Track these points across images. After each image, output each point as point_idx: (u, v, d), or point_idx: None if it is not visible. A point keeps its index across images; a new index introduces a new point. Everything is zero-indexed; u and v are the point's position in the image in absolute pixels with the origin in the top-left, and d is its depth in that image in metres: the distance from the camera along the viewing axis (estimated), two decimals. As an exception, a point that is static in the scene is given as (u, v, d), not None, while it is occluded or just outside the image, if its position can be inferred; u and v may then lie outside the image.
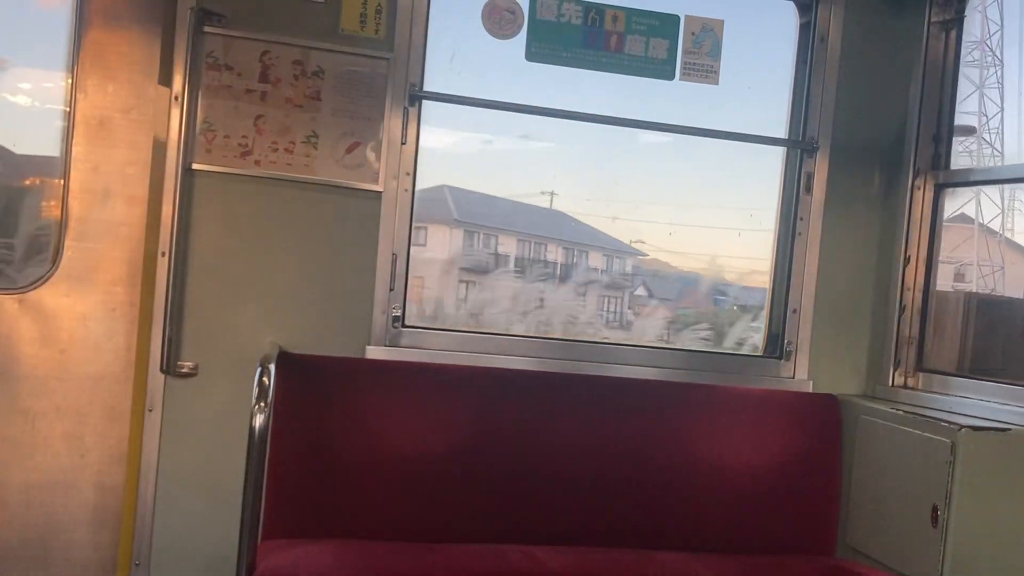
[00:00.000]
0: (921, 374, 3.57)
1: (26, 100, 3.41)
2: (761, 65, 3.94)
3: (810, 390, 3.65)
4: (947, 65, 3.63)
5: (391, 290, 3.38)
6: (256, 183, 3.27)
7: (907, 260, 3.60)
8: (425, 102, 3.42)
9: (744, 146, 3.81)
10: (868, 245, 3.72)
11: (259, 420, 2.70)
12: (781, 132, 3.79)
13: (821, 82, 3.68)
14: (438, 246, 4.58)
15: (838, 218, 3.69)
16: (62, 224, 3.18)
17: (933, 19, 3.61)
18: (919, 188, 3.61)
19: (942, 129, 3.63)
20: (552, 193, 4.47)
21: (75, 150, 3.17)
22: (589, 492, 3.33)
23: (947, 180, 3.60)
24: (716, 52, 3.61)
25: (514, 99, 3.51)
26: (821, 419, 3.53)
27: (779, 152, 3.82)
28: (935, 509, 2.95)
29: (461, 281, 4.69)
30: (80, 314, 3.19)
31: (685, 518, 3.38)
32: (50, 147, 3.23)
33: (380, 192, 3.35)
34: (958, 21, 3.60)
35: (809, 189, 3.69)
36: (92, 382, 3.20)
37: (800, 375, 3.68)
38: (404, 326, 3.42)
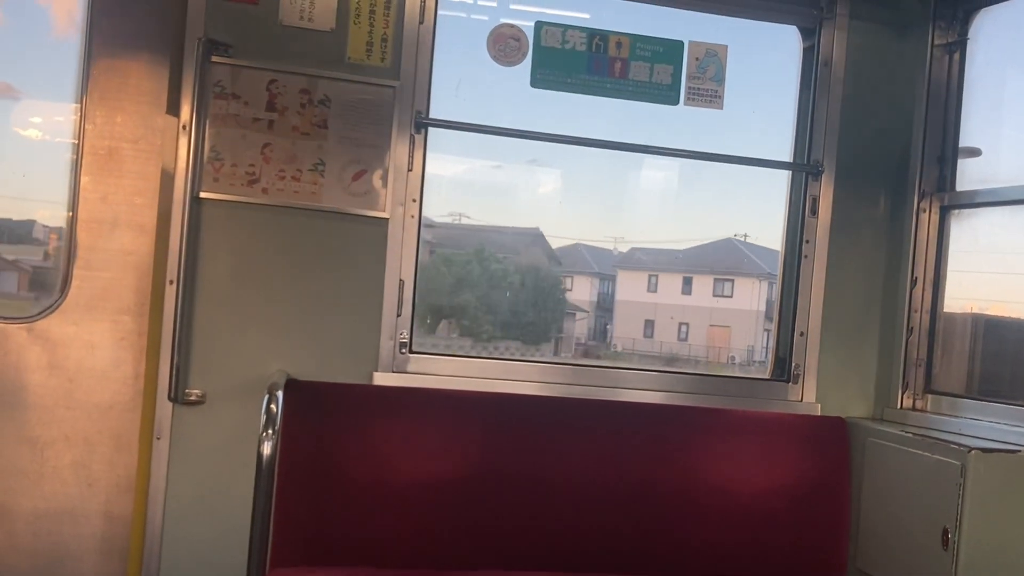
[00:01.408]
0: (930, 396, 3.57)
1: (37, 132, 3.44)
2: (765, 89, 3.96)
3: (818, 413, 3.64)
4: (951, 87, 3.64)
5: (398, 316, 3.39)
6: (263, 211, 3.28)
7: (914, 282, 3.60)
8: (431, 129, 3.44)
9: (749, 169, 3.82)
10: (874, 267, 3.72)
11: (267, 447, 2.71)
12: (786, 156, 3.80)
13: (825, 106, 3.69)
14: (744, 297, 4.62)
15: (844, 241, 3.70)
16: (70, 253, 3.19)
17: (936, 42, 3.63)
18: (924, 210, 3.62)
19: (947, 151, 3.64)
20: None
21: (83, 180, 3.19)
22: (597, 517, 3.32)
23: (952, 202, 3.60)
24: (720, 77, 3.63)
25: (520, 125, 3.53)
26: (829, 442, 3.51)
27: (784, 175, 3.82)
28: (945, 532, 2.94)
29: (765, 329, 4.71)
30: (88, 343, 3.20)
31: (694, 542, 3.36)
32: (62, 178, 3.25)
33: (387, 219, 3.37)
34: (961, 44, 3.62)
35: (815, 212, 3.69)
36: (100, 411, 3.21)
37: (808, 398, 3.67)
38: (411, 352, 3.42)
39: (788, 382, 3.68)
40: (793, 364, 3.68)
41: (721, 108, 3.65)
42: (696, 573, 3.27)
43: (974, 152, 3.65)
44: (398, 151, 3.37)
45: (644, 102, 3.61)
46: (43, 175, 3.40)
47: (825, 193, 3.69)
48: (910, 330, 3.60)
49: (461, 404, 3.32)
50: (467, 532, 3.24)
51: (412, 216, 3.40)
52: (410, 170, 3.39)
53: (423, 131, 3.42)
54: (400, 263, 3.39)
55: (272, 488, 2.78)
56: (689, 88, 3.62)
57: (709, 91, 3.63)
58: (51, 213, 3.37)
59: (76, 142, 3.20)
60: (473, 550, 3.22)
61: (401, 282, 3.39)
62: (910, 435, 3.24)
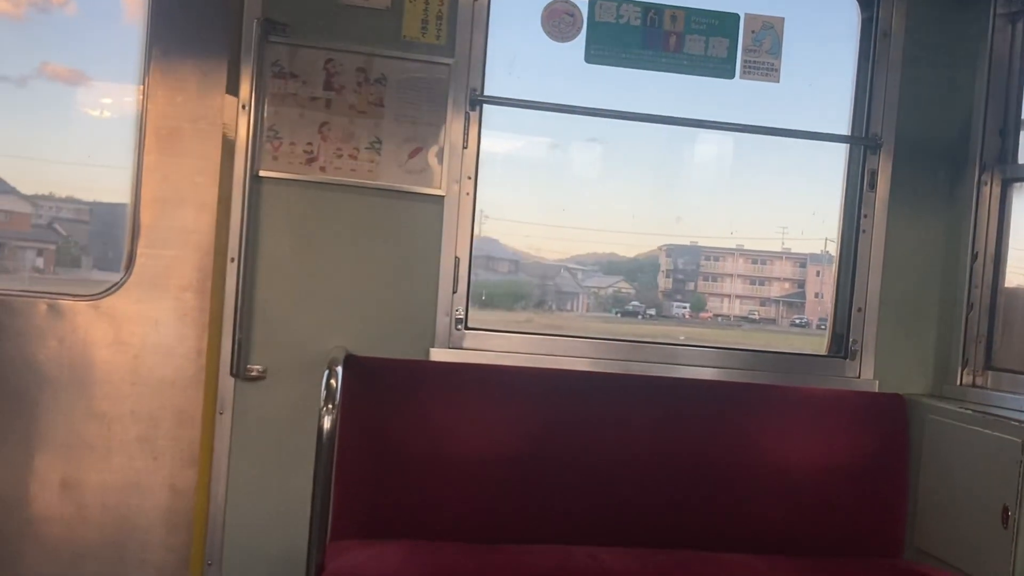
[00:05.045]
0: (990, 372, 3.52)
1: (106, 112, 3.51)
2: (823, 62, 3.90)
3: (876, 390, 3.61)
4: (1013, 57, 3.57)
5: (454, 292, 3.42)
6: (321, 189, 3.32)
7: (975, 256, 3.55)
8: (486, 106, 3.45)
9: (806, 144, 3.78)
10: (934, 242, 3.68)
11: (327, 422, 2.75)
12: (844, 129, 3.76)
13: (884, 78, 3.64)
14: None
15: (903, 215, 3.65)
16: (134, 232, 3.25)
17: (999, 11, 3.56)
18: (986, 183, 3.56)
19: (1009, 123, 3.57)
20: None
21: (146, 159, 3.24)
22: (652, 493, 3.33)
23: (1014, 175, 3.54)
24: (777, 50, 3.60)
25: (575, 102, 3.53)
26: (888, 419, 3.49)
27: (842, 149, 3.78)
28: (1006, 509, 2.91)
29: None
30: (152, 320, 3.26)
31: (750, 519, 3.36)
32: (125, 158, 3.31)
33: (443, 196, 3.39)
34: (1024, 13, 3.55)
35: (873, 186, 3.65)
36: (164, 386, 3.27)
37: (866, 375, 3.64)
38: (467, 328, 3.45)
39: (846, 358, 3.66)
40: (851, 340, 3.65)
41: (778, 81, 3.62)
42: (752, 550, 3.27)
43: (1037, 124, 3.58)
44: (453, 128, 3.39)
45: (699, 76, 3.58)
46: (108, 155, 3.48)
47: (884, 167, 3.64)
48: (970, 306, 3.56)
49: (516, 380, 3.34)
50: (523, 507, 3.26)
51: (467, 193, 3.42)
52: (465, 147, 3.41)
53: (478, 108, 3.43)
54: (456, 240, 3.41)
55: (332, 462, 2.83)
56: (745, 61, 3.59)
57: (765, 64, 3.60)
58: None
59: (139, 122, 3.25)
60: (528, 525, 3.25)
61: (457, 259, 3.41)
62: (970, 412, 3.21)
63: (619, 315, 4.36)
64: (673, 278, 4.48)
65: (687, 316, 4.47)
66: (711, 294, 4.54)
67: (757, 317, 4.58)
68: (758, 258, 4.53)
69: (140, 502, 3.27)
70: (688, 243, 4.48)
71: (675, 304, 4.50)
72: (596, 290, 4.36)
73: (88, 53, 3.43)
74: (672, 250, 4.47)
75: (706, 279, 4.51)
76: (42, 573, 3.22)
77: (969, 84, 3.62)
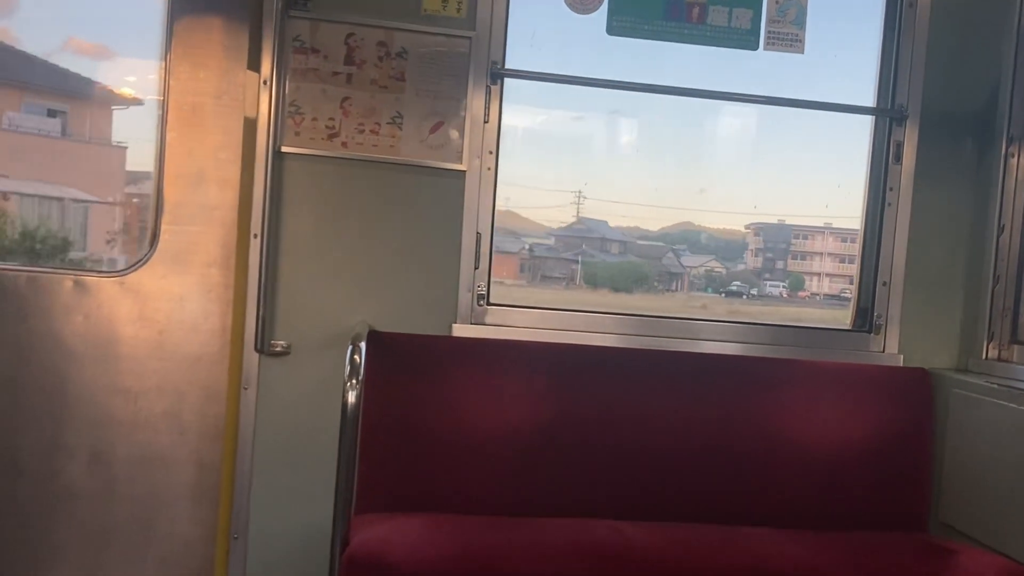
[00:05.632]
0: (1016, 346, 3.49)
1: (130, 90, 3.53)
2: (848, 32, 3.86)
3: (900, 364, 3.59)
4: (1042, 27, 3.52)
5: (476, 268, 3.42)
6: (343, 164, 3.32)
7: (1001, 229, 3.52)
8: (507, 80, 3.43)
9: (831, 116, 3.75)
10: (960, 215, 3.64)
11: (351, 397, 2.76)
12: (869, 101, 3.71)
13: (910, 48, 3.59)
14: None
15: (929, 188, 3.62)
16: (158, 208, 3.26)
17: (1027, -21, 3.51)
18: (1013, 155, 3.52)
19: (1036, 94, 3.53)
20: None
21: (169, 136, 3.25)
22: (675, 468, 3.34)
23: (1042, 147, 3.50)
24: (801, 20, 3.56)
25: (597, 75, 3.51)
26: (912, 394, 3.47)
27: (867, 121, 3.74)
28: (1032, 484, 2.90)
29: None
30: (177, 295, 3.28)
31: (773, 494, 3.36)
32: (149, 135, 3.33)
33: (464, 171, 3.38)
34: (1054, -19, 3.49)
35: (898, 158, 3.62)
36: (190, 362, 3.29)
37: (890, 349, 3.62)
38: (489, 304, 3.45)
39: (870, 333, 3.64)
40: (875, 314, 3.63)
41: (802, 52, 3.58)
42: (774, 524, 3.27)
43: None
44: (475, 103, 3.38)
45: (723, 47, 3.55)
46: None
47: (909, 139, 3.60)
48: (996, 279, 3.52)
49: (538, 355, 3.35)
50: (545, 481, 3.28)
51: (489, 168, 3.41)
52: (486, 122, 3.39)
53: (499, 82, 3.41)
54: (477, 216, 3.41)
55: (356, 437, 2.85)
56: (769, 32, 3.55)
57: (790, 35, 3.56)
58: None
59: (162, 98, 3.26)
60: (550, 499, 3.26)
61: (478, 235, 3.41)
62: (996, 386, 3.19)
63: (724, 295, 4.36)
64: (763, 257, 4.47)
65: (785, 295, 4.46)
66: (800, 273, 4.54)
67: (849, 295, 4.59)
68: (847, 236, 4.51)
69: (167, 477, 3.31)
70: (776, 221, 4.47)
71: (767, 283, 4.49)
72: (690, 269, 4.36)
73: (112, 28, 3.44)
74: (761, 228, 4.45)
75: (794, 258, 4.50)
76: (71, 547, 3.26)
77: (996, 55, 3.57)
